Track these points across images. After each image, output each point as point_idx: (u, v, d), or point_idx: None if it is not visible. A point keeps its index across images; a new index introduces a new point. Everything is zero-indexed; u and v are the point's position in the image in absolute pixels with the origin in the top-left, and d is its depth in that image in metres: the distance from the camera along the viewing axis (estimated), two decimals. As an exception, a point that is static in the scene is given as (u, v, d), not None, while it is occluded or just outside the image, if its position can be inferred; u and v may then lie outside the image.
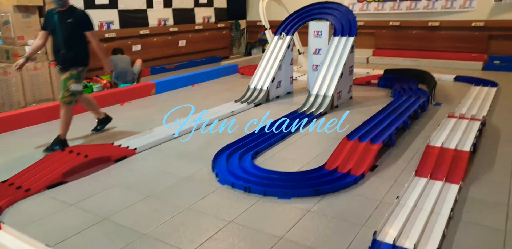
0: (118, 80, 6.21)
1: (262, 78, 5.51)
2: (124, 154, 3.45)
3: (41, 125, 4.51)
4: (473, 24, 7.66)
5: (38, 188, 2.83)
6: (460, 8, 7.74)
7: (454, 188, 2.68)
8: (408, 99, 4.78)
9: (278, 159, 3.39)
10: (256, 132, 3.92)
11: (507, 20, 7.37)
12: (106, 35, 7.01)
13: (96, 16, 6.83)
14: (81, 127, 4.23)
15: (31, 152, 3.63)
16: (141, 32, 7.64)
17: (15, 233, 2.24)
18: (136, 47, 7.55)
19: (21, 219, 2.49)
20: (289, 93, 5.83)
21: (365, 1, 8.64)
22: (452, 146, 3.20)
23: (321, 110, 4.70)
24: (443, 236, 2.19)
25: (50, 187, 2.89)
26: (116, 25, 7.22)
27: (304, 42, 6.53)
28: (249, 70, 7.27)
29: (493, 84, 5.84)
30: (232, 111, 4.78)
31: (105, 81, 6.34)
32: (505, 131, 3.93)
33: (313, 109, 4.72)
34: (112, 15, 7.13)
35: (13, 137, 4.14)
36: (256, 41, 10.10)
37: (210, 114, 4.63)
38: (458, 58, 7.77)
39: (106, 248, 2.16)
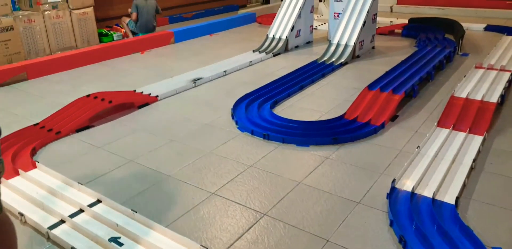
0: (141, 30, 5.96)
1: (280, 27, 5.34)
2: (147, 101, 3.50)
3: (66, 72, 4.58)
4: (510, -32, 7.11)
5: (67, 131, 2.94)
6: (496, -51, 7.15)
7: (477, 139, 2.65)
8: (433, 49, 4.61)
9: (296, 109, 3.39)
10: (275, 81, 3.89)
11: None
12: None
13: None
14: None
15: (58, 97, 3.71)
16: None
17: (50, 172, 2.37)
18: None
19: (54, 159, 2.62)
20: (308, 43, 5.67)
21: None
22: (478, 97, 3.13)
23: (342, 60, 4.59)
24: (464, 185, 2.21)
25: (78, 130, 3.00)
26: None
27: (327, -11, 6.22)
28: (267, 20, 7.03)
29: (526, 34, 5.55)
30: (251, 61, 4.71)
31: (125, 30, 6.25)
32: (534, 83, 3.80)
33: (333, 59, 4.61)
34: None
35: (40, 83, 4.22)
36: (275, -12, 9.63)
37: (229, 64, 4.58)
38: (490, 6, 7.30)
39: (133, 188, 2.28)
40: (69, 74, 4.52)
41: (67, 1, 5.41)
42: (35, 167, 2.44)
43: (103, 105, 3.12)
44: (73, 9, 5.49)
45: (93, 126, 3.09)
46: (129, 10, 5.88)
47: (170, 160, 2.58)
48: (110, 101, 3.14)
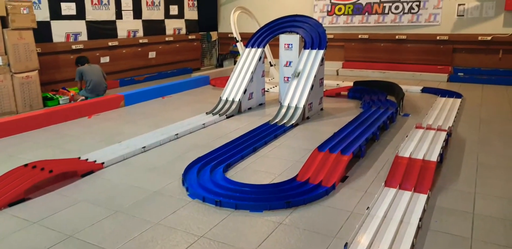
0: (92, 93, 5.95)
1: (234, 90, 5.51)
2: (91, 168, 3.34)
3: (3, 139, 4.32)
4: (438, 37, 7.97)
5: (-2, 206, 2.69)
6: (425, 22, 8.06)
7: (422, 198, 2.73)
8: (377, 110, 4.89)
9: (250, 172, 3.37)
10: (228, 144, 3.90)
11: (469, 34, 7.72)
12: (73, 47, 6.84)
13: (63, 27, 6.71)
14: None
15: (-9, 168, 3.46)
16: (110, 43, 7.51)
17: (-30, 255, 2.11)
18: (105, 59, 7.41)
19: (-22, 239, 2.36)
20: (261, 105, 5.85)
21: (334, 15, 8.85)
22: (420, 156, 3.28)
23: (293, 121, 4.73)
24: (412, 245, 2.22)
25: (11, 204, 2.76)
26: (83, 37, 7.07)
27: (275, 55, 6.61)
28: (221, 82, 7.26)
29: (458, 95, 6.07)
30: (203, 124, 4.74)
31: (72, 94, 6.16)
32: (470, 141, 4.07)
33: (285, 121, 4.75)
34: (79, 26, 6.99)
35: (-28, 152, 3.94)
36: (227, 53, 10.14)
37: (181, 126, 4.57)
38: (424, 70, 8.04)
39: (69, 269, 2.07)
40: (7, 142, 4.26)
41: (9, 65, 5.29)
42: (-45, 250, 2.17)
43: (42, 176, 2.93)
44: (16, 73, 5.36)
45: (29, 199, 2.86)
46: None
47: (114, 233, 2.41)
48: (51, 171, 2.95)
